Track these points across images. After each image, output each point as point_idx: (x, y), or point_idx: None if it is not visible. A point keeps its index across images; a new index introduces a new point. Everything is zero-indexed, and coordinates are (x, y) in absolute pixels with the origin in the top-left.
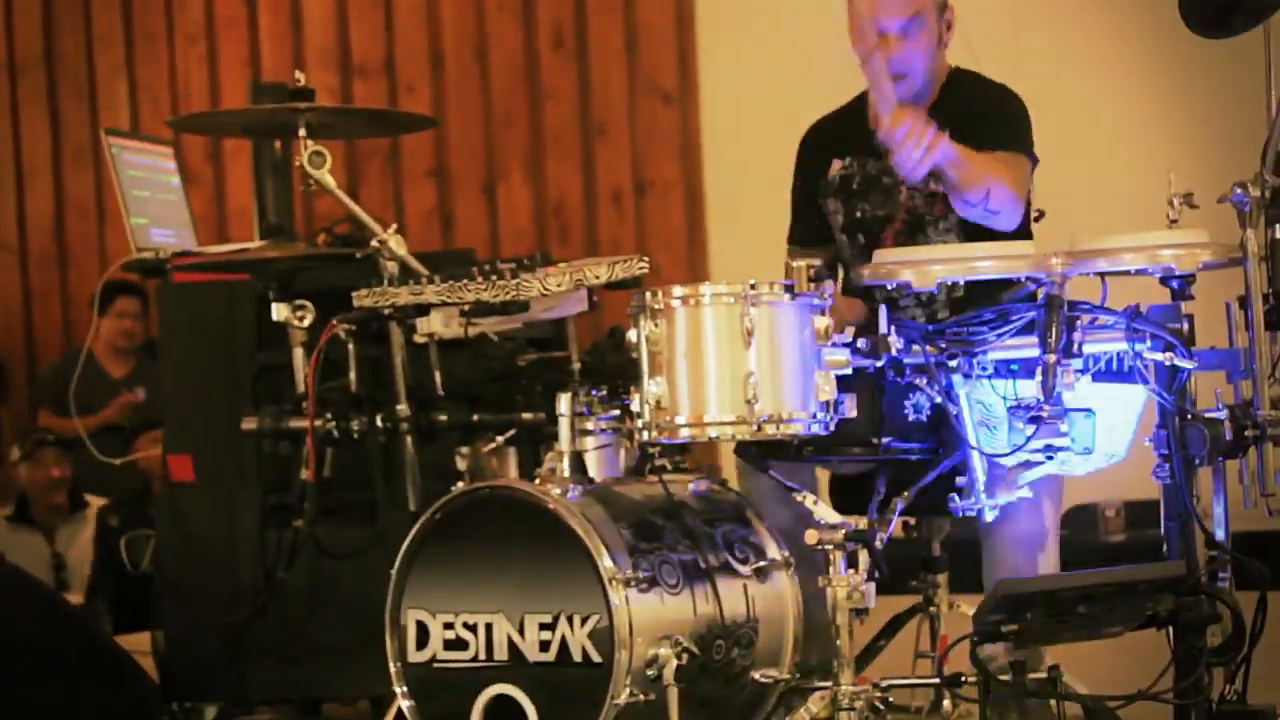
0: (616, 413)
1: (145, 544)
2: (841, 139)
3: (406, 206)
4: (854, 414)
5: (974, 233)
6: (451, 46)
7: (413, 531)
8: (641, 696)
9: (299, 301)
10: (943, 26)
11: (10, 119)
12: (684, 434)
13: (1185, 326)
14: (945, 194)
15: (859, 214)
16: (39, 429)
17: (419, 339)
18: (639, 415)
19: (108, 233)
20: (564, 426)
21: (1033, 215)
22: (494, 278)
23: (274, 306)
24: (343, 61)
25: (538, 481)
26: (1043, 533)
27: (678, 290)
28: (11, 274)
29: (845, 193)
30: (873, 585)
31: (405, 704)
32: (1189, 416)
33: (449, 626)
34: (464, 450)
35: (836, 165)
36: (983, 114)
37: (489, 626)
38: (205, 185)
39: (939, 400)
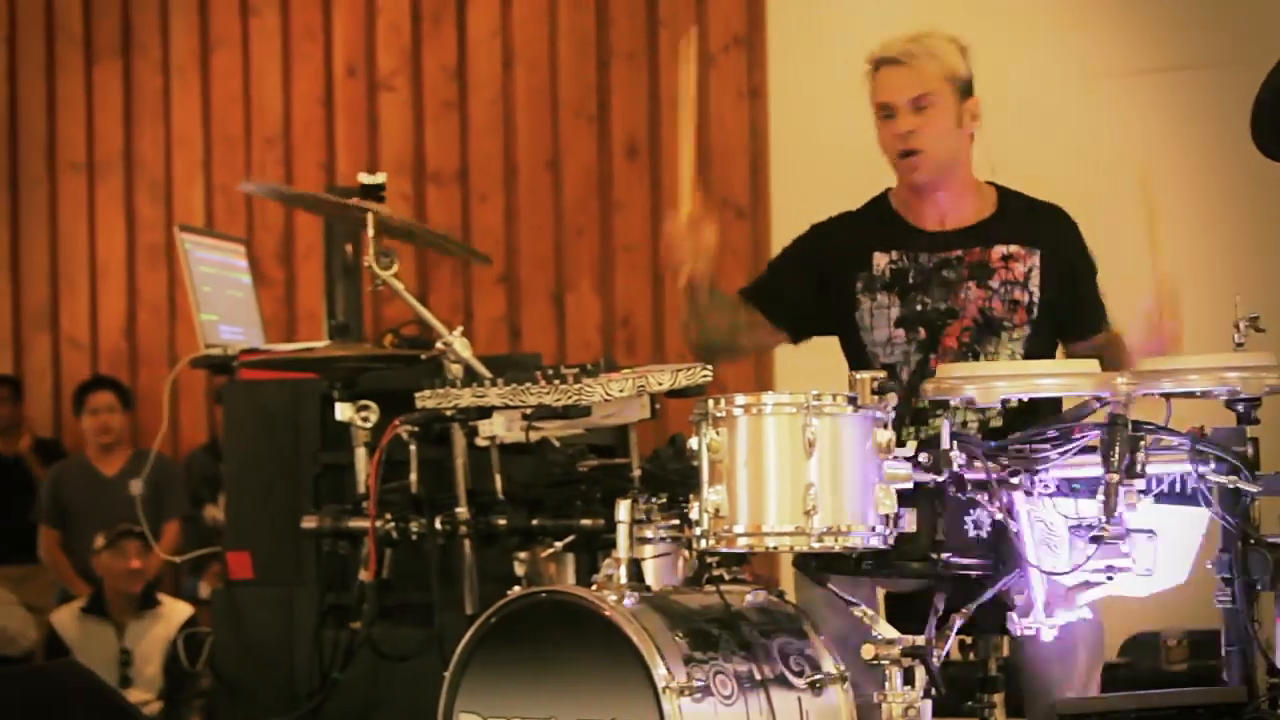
0: (676, 521)
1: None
2: (878, 234)
3: (475, 313)
4: (913, 528)
5: (1037, 348)
6: (525, 155)
7: (468, 634)
8: None
9: (363, 402)
10: (963, 112)
11: (87, 218)
12: (742, 544)
13: (1250, 450)
14: (1030, 305)
15: (919, 307)
16: (124, 523)
17: (481, 442)
18: (698, 524)
19: (178, 331)
20: (622, 533)
21: None
22: (557, 382)
23: (338, 406)
24: (417, 168)
25: (595, 588)
26: (1088, 659)
27: (740, 399)
28: (83, 371)
29: (901, 286)
30: (929, 703)
31: None
32: (1252, 541)
33: None
34: (522, 555)
35: (882, 259)
36: (1081, 300)
37: None
38: (277, 286)
39: (1000, 517)
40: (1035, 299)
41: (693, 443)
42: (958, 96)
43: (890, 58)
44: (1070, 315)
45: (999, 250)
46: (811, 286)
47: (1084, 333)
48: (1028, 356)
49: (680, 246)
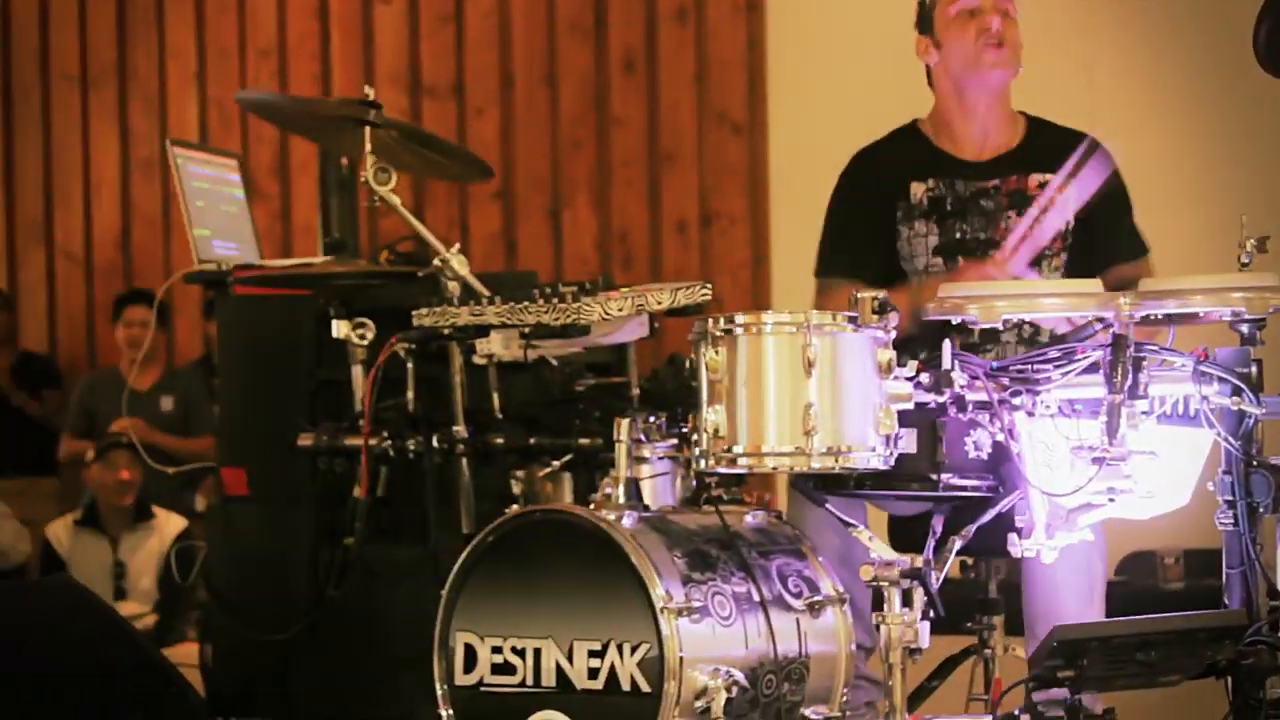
0: (674, 440)
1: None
2: (913, 160)
3: (471, 229)
4: (913, 449)
5: (1075, 275)
6: (522, 69)
7: (464, 553)
8: None
9: (359, 319)
10: None
11: (80, 130)
12: (741, 464)
13: (1254, 371)
14: (1065, 232)
15: (959, 234)
16: (113, 433)
17: (478, 360)
18: (697, 444)
19: (173, 245)
20: (621, 453)
21: None
22: (555, 301)
23: (334, 323)
24: (412, 82)
25: (592, 507)
26: (1090, 581)
27: (739, 318)
28: (77, 284)
29: (939, 214)
30: (926, 624)
31: None
32: (1255, 463)
33: (497, 650)
34: (519, 474)
35: (919, 188)
36: (1115, 227)
37: (537, 652)
38: (271, 201)
39: (1000, 438)
40: (1070, 226)
41: (691, 362)
42: None
43: None
44: (1104, 242)
45: (1036, 178)
46: (875, 219)
47: (1117, 259)
48: None
49: None
